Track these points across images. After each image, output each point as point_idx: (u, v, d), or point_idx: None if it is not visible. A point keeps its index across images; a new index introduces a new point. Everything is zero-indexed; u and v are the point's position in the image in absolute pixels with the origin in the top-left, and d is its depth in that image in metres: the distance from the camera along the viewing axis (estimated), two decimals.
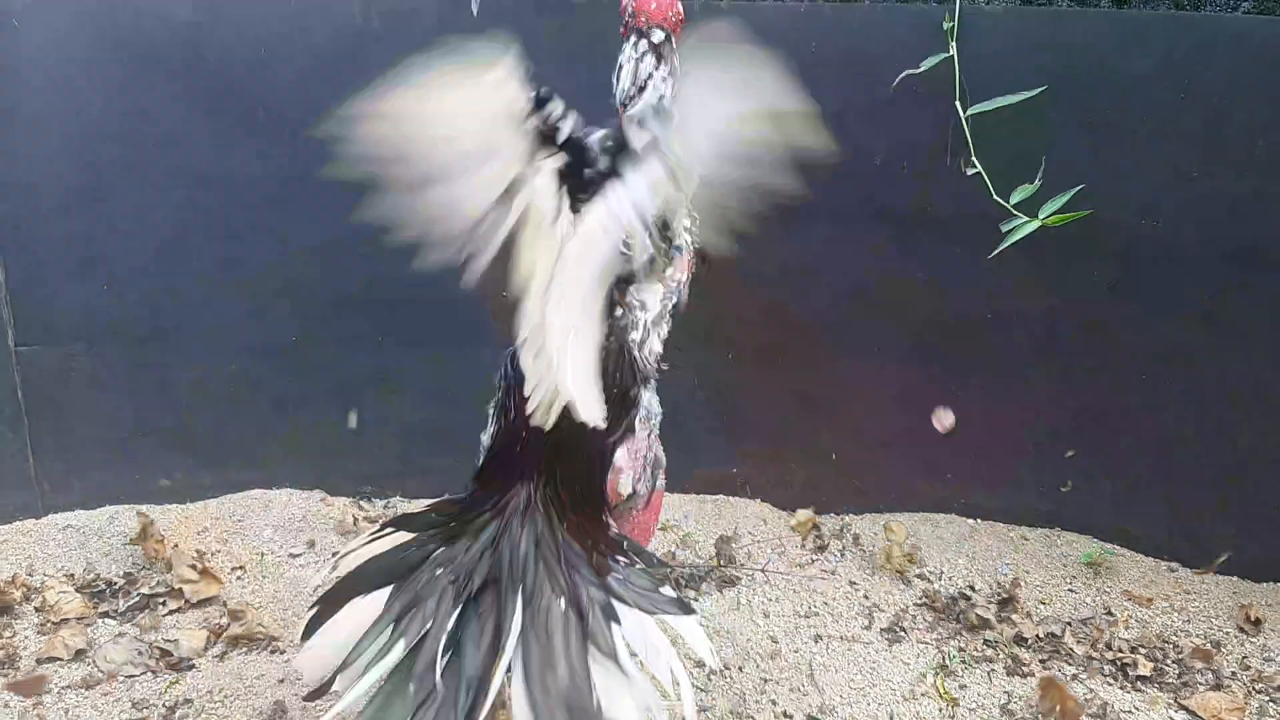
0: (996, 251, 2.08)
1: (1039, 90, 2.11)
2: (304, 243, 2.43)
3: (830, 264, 2.45)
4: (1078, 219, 2.04)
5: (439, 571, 1.40)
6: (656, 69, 1.66)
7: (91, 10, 2.23)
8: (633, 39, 1.67)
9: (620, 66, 1.69)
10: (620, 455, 1.60)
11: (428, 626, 1.35)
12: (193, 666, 2.06)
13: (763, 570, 2.39)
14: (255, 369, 2.52)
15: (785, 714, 1.95)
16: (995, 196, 2.11)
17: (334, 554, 1.40)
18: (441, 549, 1.44)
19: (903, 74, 2.18)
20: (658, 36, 1.66)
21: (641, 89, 1.66)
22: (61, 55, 2.23)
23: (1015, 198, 2.09)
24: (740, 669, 2.07)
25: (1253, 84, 2.15)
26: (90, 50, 2.24)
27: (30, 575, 2.31)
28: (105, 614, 2.21)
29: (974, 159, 2.14)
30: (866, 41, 2.29)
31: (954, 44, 2.16)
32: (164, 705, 1.95)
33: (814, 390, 2.54)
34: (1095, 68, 2.21)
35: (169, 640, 2.12)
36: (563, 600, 1.39)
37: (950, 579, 2.40)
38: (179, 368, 2.49)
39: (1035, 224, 2.06)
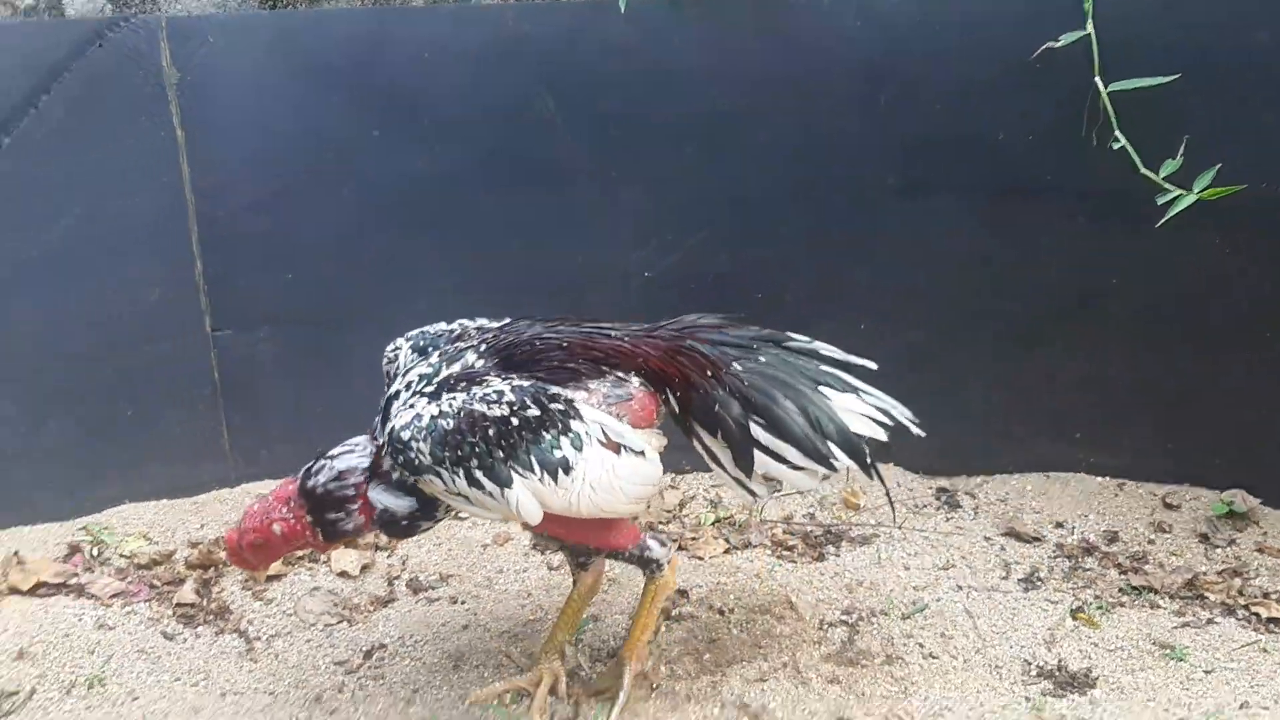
0: (1162, 222, 2.15)
1: (1175, 76, 2.18)
2: (468, 233, 2.64)
3: (953, 236, 2.56)
4: (1231, 193, 2.09)
5: None
6: None
7: (279, 30, 2.48)
8: None
9: None
10: None
11: None
12: (385, 615, 2.30)
13: (899, 527, 2.53)
14: None
15: (931, 655, 2.09)
16: (1144, 170, 2.19)
17: None
18: None
19: (1043, 46, 2.27)
20: None
21: None
22: (251, 71, 2.48)
23: (1164, 171, 2.16)
24: (885, 614, 2.22)
25: None
26: (276, 66, 2.48)
27: None
28: (300, 570, 2.47)
29: (1118, 133, 2.22)
30: (988, 20, 2.40)
31: (1091, 22, 2.24)
32: (361, 651, 2.19)
33: (945, 357, 2.66)
34: (1216, 41, 2.27)
35: (359, 591, 2.37)
36: None
37: (1082, 534, 2.50)
38: (352, 349, 2.71)
39: (1193, 197, 2.11)
